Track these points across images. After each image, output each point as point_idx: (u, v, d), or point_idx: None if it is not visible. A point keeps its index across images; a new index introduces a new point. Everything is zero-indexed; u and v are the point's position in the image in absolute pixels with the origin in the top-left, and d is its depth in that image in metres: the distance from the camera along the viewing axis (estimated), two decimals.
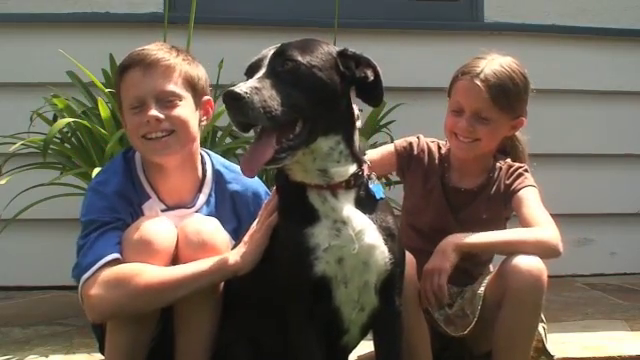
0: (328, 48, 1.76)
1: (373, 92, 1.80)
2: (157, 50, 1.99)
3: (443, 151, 2.34)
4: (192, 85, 2.02)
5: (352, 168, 1.78)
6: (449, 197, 2.29)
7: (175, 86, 1.97)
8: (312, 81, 1.68)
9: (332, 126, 1.73)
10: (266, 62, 1.69)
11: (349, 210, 1.76)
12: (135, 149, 2.06)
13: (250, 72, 1.71)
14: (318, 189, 1.76)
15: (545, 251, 2.06)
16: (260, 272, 1.83)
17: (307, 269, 1.71)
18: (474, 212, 2.26)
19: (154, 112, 1.93)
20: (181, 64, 2.00)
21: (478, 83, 2.18)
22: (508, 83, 2.20)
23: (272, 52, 1.71)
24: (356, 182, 1.79)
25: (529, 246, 2.06)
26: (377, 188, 1.85)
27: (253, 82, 1.63)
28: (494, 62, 2.22)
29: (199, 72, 2.07)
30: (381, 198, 1.85)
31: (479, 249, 2.16)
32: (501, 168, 2.29)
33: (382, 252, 1.77)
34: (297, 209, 1.77)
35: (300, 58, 1.68)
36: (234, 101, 1.59)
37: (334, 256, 1.72)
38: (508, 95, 2.20)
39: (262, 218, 1.87)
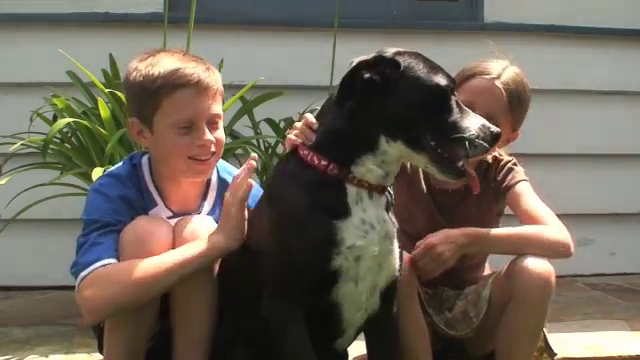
0: None
1: None
2: (207, 72, 1.95)
3: None
4: (222, 103, 2.05)
5: None
6: (437, 200, 2.24)
7: (220, 108, 2.00)
8: None
9: None
10: None
11: (379, 213, 1.78)
12: (157, 161, 2.01)
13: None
14: (358, 187, 1.76)
15: (559, 252, 2.04)
16: (265, 263, 1.79)
17: (325, 261, 1.70)
18: (465, 212, 2.20)
19: (210, 136, 1.94)
20: (219, 83, 2.01)
21: (499, 85, 2.13)
22: (523, 92, 2.17)
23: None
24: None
25: (543, 246, 2.03)
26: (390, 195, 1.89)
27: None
28: (509, 69, 2.18)
29: None
30: (392, 204, 1.87)
31: (490, 243, 2.08)
32: (489, 164, 2.24)
33: (395, 257, 1.80)
34: (328, 201, 1.74)
35: None
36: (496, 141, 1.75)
37: (354, 254, 1.72)
38: (521, 104, 2.16)
39: (232, 190, 1.89)
